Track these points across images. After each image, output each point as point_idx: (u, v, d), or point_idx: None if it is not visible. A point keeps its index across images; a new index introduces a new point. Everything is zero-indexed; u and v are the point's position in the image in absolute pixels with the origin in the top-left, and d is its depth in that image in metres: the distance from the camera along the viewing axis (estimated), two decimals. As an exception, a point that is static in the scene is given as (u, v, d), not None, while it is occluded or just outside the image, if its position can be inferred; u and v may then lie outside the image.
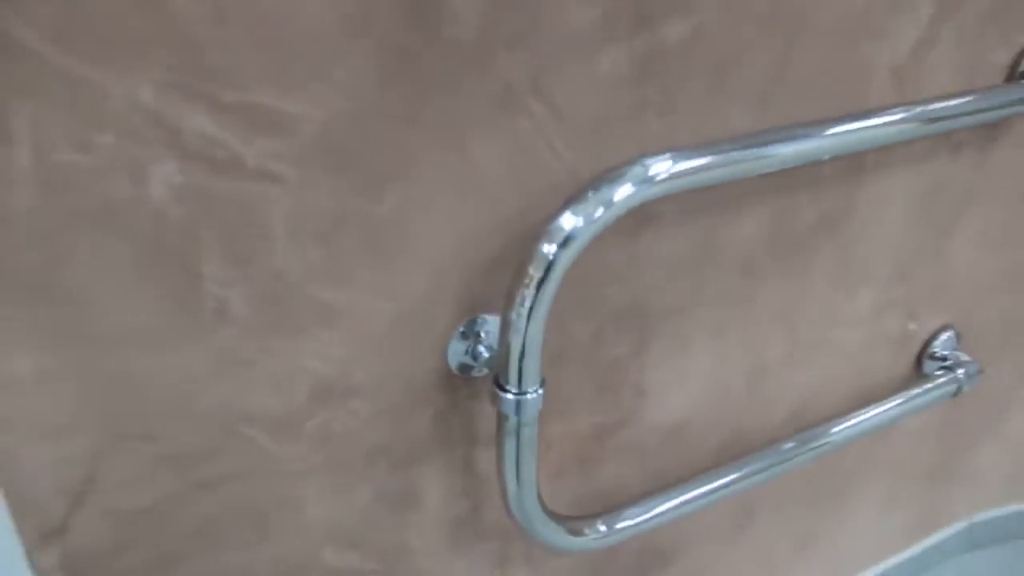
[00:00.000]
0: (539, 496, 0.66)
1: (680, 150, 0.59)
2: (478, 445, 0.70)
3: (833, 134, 0.66)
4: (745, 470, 0.82)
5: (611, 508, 0.75)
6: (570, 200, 0.57)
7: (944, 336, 0.96)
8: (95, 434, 0.54)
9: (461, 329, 0.63)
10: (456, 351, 0.64)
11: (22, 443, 0.53)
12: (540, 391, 0.60)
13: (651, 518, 0.75)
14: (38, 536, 0.56)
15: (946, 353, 0.96)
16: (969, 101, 0.74)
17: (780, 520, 0.99)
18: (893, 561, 1.18)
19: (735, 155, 0.61)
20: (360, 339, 0.60)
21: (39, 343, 0.50)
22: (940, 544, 1.23)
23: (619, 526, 0.73)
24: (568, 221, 0.56)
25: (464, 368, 0.65)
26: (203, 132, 0.49)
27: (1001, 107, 0.76)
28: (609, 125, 0.62)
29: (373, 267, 0.58)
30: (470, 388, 0.67)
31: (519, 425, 0.61)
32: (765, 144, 0.63)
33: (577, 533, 0.70)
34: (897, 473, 1.08)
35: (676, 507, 0.78)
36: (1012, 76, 0.82)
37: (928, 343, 0.96)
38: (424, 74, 0.53)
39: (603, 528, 0.72)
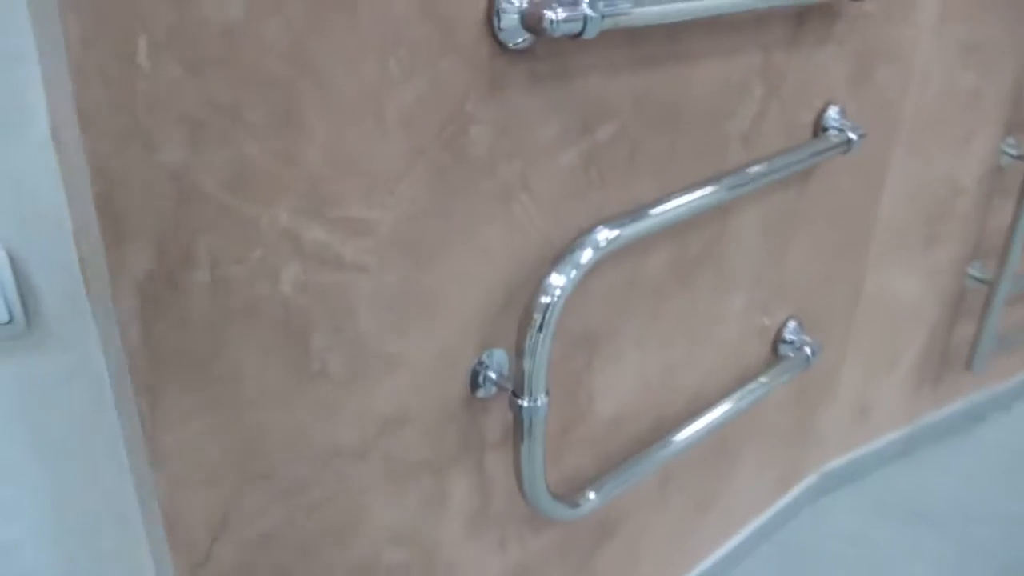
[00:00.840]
0: (546, 480, 0.90)
1: (613, 220, 0.86)
2: (487, 450, 0.92)
3: (705, 193, 0.95)
4: (664, 448, 1.09)
5: (575, 488, 1.00)
6: (554, 264, 0.82)
7: (791, 325, 1.29)
8: (232, 479, 0.73)
9: (477, 360, 0.86)
10: (482, 380, 0.86)
11: (184, 494, 0.70)
12: (547, 398, 0.84)
13: (615, 488, 1.01)
14: (188, 568, 0.73)
15: (794, 338, 1.29)
16: (790, 155, 1.06)
17: (688, 486, 1.28)
18: (768, 513, 1.50)
19: (649, 218, 0.89)
20: (412, 379, 0.81)
21: (202, 412, 0.69)
22: (799, 495, 1.56)
23: (599, 496, 0.98)
24: (556, 279, 0.81)
25: (476, 389, 0.87)
26: (317, 240, 0.69)
27: (811, 157, 1.09)
28: (567, 202, 0.87)
29: (423, 323, 0.79)
30: (482, 405, 0.89)
31: (532, 425, 0.85)
32: (664, 203, 0.91)
33: (574, 506, 0.94)
34: (766, 438, 1.40)
35: (624, 479, 1.03)
36: (816, 131, 1.15)
37: (780, 331, 1.28)
38: (454, 182, 0.76)
39: (592, 497, 0.97)
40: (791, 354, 1.27)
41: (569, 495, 0.98)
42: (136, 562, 0.78)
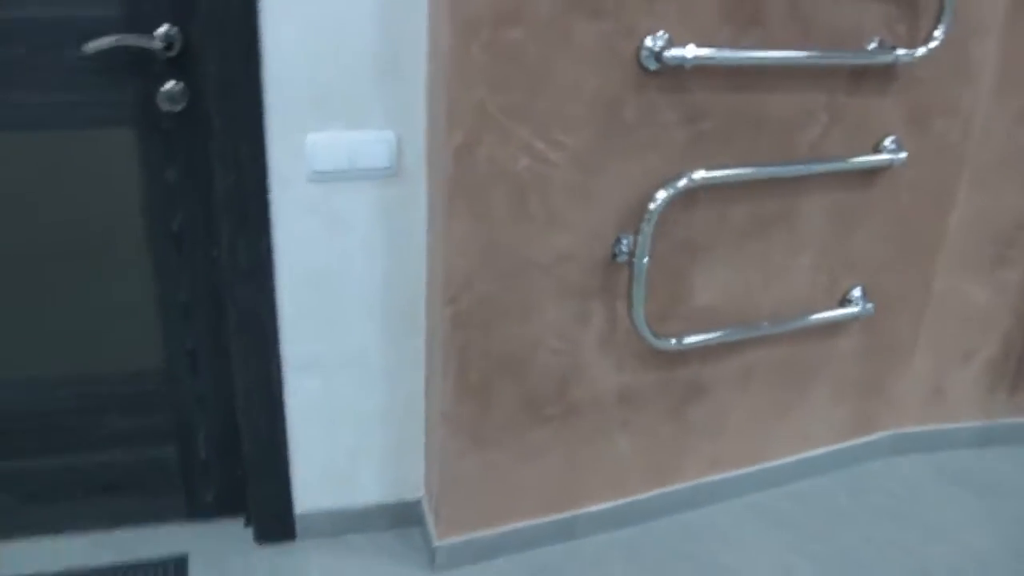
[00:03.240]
0: (645, 314, 1.66)
1: (711, 167, 1.63)
2: (618, 296, 1.70)
3: (773, 168, 1.69)
4: (743, 335, 1.81)
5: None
6: (661, 185, 1.60)
7: (856, 291, 1.95)
8: (476, 259, 1.57)
9: (616, 238, 1.65)
10: (616, 247, 1.65)
11: (453, 259, 1.56)
12: (647, 260, 1.62)
13: (696, 342, 1.75)
14: (444, 301, 1.59)
15: (858, 299, 1.94)
16: (843, 159, 1.76)
17: (768, 389, 1.97)
18: (839, 446, 2.13)
19: (730, 174, 1.65)
20: (577, 237, 1.62)
21: (469, 219, 1.54)
22: (872, 443, 2.17)
23: (683, 341, 1.73)
24: (660, 194, 1.59)
25: (614, 256, 1.66)
26: (538, 148, 1.53)
27: (858, 162, 1.79)
28: (680, 160, 1.65)
29: (587, 206, 1.61)
30: (616, 267, 1.68)
31: (638, 273, 1.62)
32: (742, 168, 1.66)
33: (664, 339, 1.70)
34: (837, 379, 2.04)
35: (707, 342, 1.77)
36: (874, 152, 1.83)
37: (846, 293, 1.95)
38: (613, 133, 1.57)
39: (673, 342, 1.72)
40: (853, 309, 1.93)
41: (663, 335, 1.73)
42: (417, 292, 1.65)
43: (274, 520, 1.84)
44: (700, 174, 1.62)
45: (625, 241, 1.65)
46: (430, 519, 1.82)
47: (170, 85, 1.53)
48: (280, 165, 1.55)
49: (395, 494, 1.87)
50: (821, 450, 2.13)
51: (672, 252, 1.72)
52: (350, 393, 1.76)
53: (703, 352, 1.85)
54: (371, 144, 1.58)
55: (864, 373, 2.08)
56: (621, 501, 1.93)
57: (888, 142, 1.83)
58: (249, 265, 1.61)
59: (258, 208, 1.58)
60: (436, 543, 1.79)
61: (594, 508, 1.90)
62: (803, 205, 1.82)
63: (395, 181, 1.61)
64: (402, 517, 1.89)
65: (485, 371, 1.66)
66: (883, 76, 1.77)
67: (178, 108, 1.55)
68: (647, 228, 1.60)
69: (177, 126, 1.56)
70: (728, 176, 1.66)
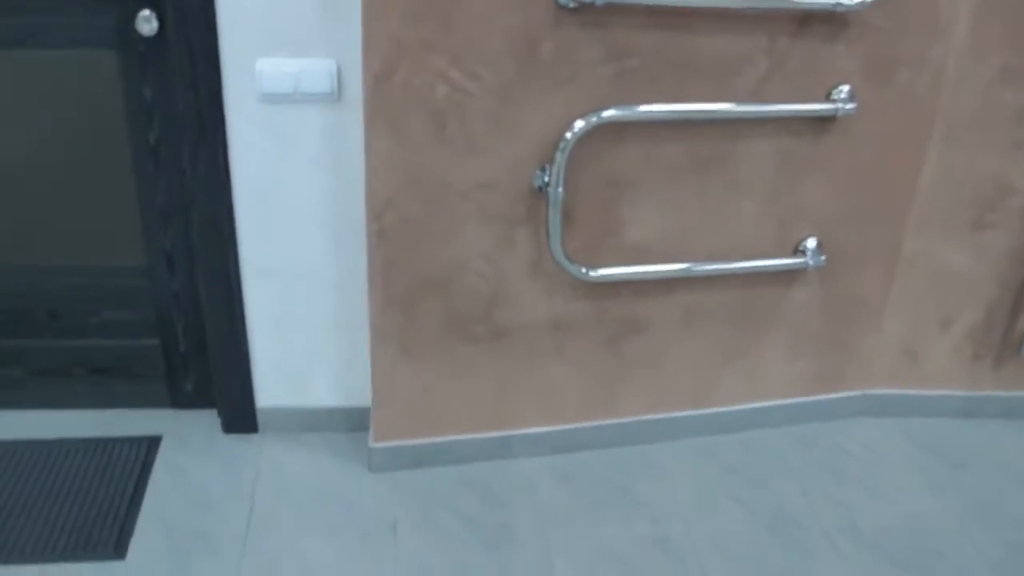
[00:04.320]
0: (562, 242, 1.78)
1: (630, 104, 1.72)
2: (542, 225, 1.82)
3: (698, 108, 1.76)
4: (680, 274, 1.90)
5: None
6: (581, 117, 1.71)
7: (811, 241, 1.98)
8: (398, 181, 1.74)
9: (540, 167, 1.77)
10: (536, 177, 1.78)
11: (378, 177, 1.73)
12: (561, 190, 1.73)
13: (619, 275, 1.85)
14: (369, 218, 1.76)
15: (811, 251, 1.97)
16: (781, 104, 1.81)
17: (712, 332, 2.03)
18: (797, 400, 2.16)
19: (648, 112, 1.73)
20: (499, 164, 1.75)
21: (390, 138, 1.71)
22: (838, 402, 2.18)
23: (603, 272, 1.84)
24: (577, 124, 1.70)
25: (539, 188, 1.78)
26: (455, 77, 1.67)
27: (798, 110, 1.82)
28: (604, 97, 1.75)
29: (508, 136, 1.74)
30: (541, 197, 1.80)
31: (555, 201, 1.74)
32: (662, 105, 1.75)
33: (579, 266, 1.82)
34: (793, 328, 2.08)
35: (635, 274, 1.87)
36: (828, 98, 1.86)
37: (800, 242, 1.98)
38: (530, 69, 1.69)
39: (591, 272, 1.83)
40: (800, 260, 1.96)
41: (593, 267, 1.84)
42: (360, 210, 1.82)
43: (238, 412, 2.09)
44: (610, 112, 1.72)
45: (545, 172, 1.77)
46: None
47: (145, 12, 1.77)
48: (234, 86, 1.77)
49: (349, 399, 2.07)
50: (778, 401, 2.17)
51: (598, 186, 1.82)
52: (304, 301, 1.97)
53: (638, 288, 1.94)
54: (314, 71, 1.76)
55: (825, 328, 2.11)
56: (558, 427, 2.06)
57: (842, 92, 1.85)
58: (208, 176, 1.84)
59: (215, 124, 1.80)
60: (371, 445, 1.98)
61: (529, 431, 2.04)
62: (744, 149, 1.87)
63: (338, 106, 1.79)
64: (357, 422, 2.09)
65: (410, 287, 1.83)
66: (831, 22, 1.79)
67: (152, 33, 1.79)
68: (560, 158, 1.72)
69: (151, 49, 1.80)
70: (643, 114, 1.75)
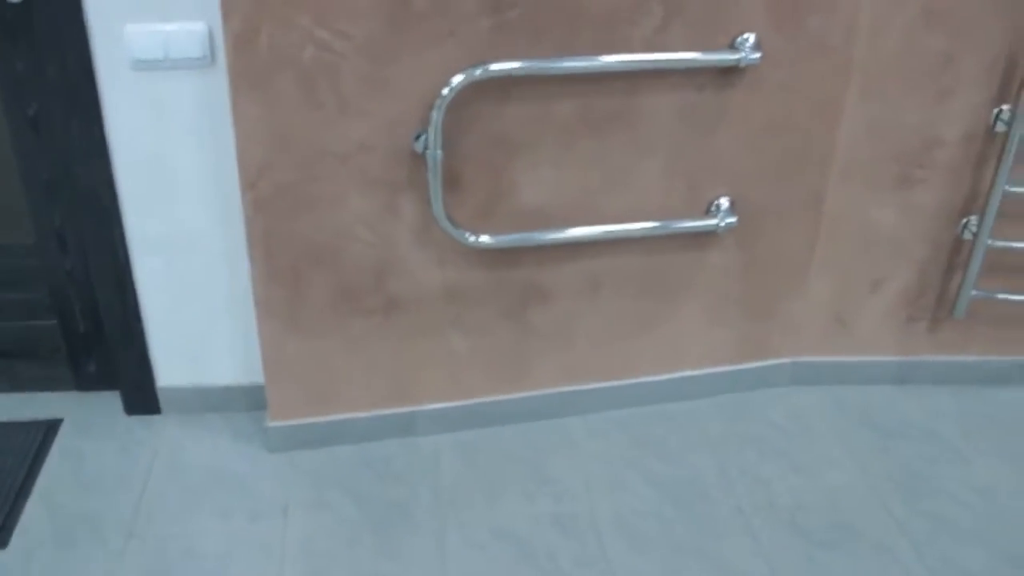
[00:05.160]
0: (445, 207, 1.71)
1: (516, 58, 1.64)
2: (428, 191, 1.76)
3: (590, 62, 1.68)
4: (581, 238, 1.82)
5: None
6: (461, 72, 1.64)
7: (723, 201, 1.89)
8: (270, 145, 1.67)
9: (422, 128, 1.70)
10: (415, 139, 1.71)
11: (247, 143, 1.66)
12: (440, 152, 1.66)
13: (511, 241, 1.78)
14: (243, 186, 1.70)
15: (725, 210, 1.89)
16: (680, 55, 1.72)
17: (623, 299, 1.96)
18: (721, 369, 2.08)
19: (533, 68, 1.65)
20: (377, 126, 1.69)
21: (258, 105, 1.64)
22: (765, 370, 2.10)
23: (490, 238, 1.77)
24: (456, 79, 1.63)
25: (420, 151, 1.71)
26: (322, 37, 1.61)
27: (700, 61, 1.73)
28: (487, 51, 1.67)
29: (384, 97, 1.67)
30: (422, 160, 1.73)
31: (433, 165, 1.67)
32: (550, 62, 1.67)
33: (465, 232, 1.74)
34: (712, 293, 2.00)
35: (530, 240, 1.79)
36: (731, 47, 1.76)
37: (712, 202, 1.90)
38: (403, 23, 1.62)
39: (477, 239, 1.76)
40: (711, 221, 1.88)
41: (485, 232, 1.77)
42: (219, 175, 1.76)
43: (139, 393, 2.04)
44: (489, 67, 1.64)
45: (425, 133, 1.70)
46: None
47: (10, -22, 1.72)
48: (104, 54, 1.71)
49: (249, 377, 2.02)
50: (699, 371, 2.09)
51: (486, 147, 1.75)
52: (195, 275, 1.91)
53: (539, 254, 1.87)
54: (184, 35, 1.70)
55: (745, 292, 2.02)
56: (464, 402, 2.00)
57: (747, 40, 1.76)
58: (85, 148, 1.79)
59: (87, 94, 1.74)
60: (268, 424, 1.93)
61: (433, 406, 1.98)
62: (643, 105, 1.78)
63: (211, 71, 1.73)
64: (258, 400, 2.03)
65: (293, 258, 1.77)
66: (729, -34, 1.71)
67: (17, 0, 1.73)
68: (437, 117, 1.65)
69: (18, 18, 1.75)
70: (527, 69, 1.67)
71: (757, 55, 1.75)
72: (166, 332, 1.98)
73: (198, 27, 1.69)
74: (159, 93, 1.74)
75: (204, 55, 1.71)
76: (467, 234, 1.77)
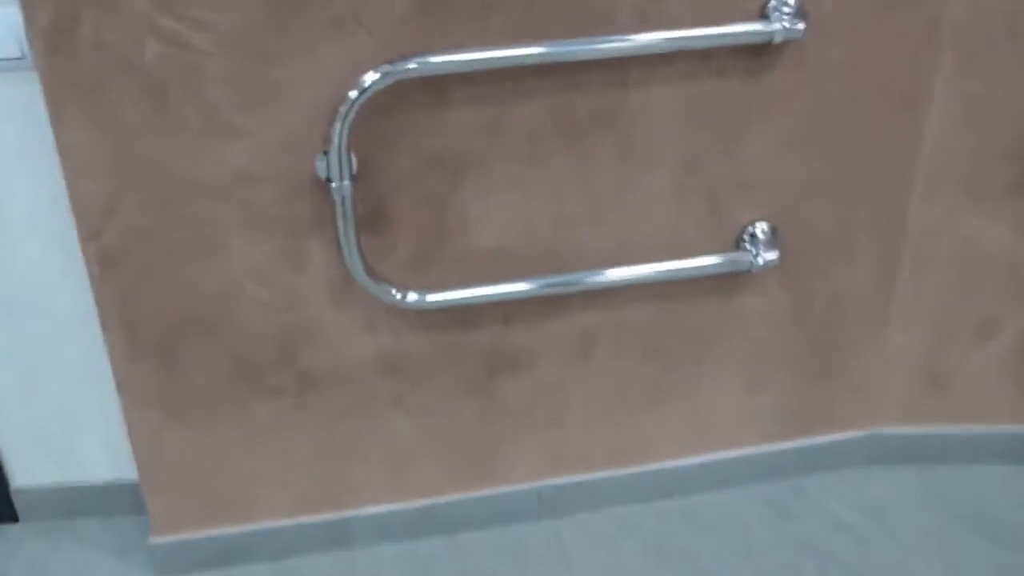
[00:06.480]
0: (361, 254, 1.42)
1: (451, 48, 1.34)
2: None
3: (558, 49, 1.37)
4: (557, 286, 1.53)
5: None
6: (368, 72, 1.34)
7: (760, 227, 1.58)
8: (116, 180, 1.40)
9: (324, 151, 1.41)
10: (319, 163, 1.42)
11: (83, 181, 1.39)
12: (351, 183, 1.37)
13: (460, 296, 1.49)
14: (87, 234, 1.43)
15: (762, 239, 1.58)
16: (688, 31, 1.40)
17: (624, 360, 1.67)
18: (765, 450, 1.78)
19: (484, 59, 1.35)
20: (262, 149, 1.40)
21: (91, 125, 1.36)
22: (825, 448, 1.80)
23: (431, 297, 1.48)
24: (370, 76, 1.33)
25: (326, 178, 1.43)
26: (169, 27, 1.32)
27: (716, 39, 1.41)
28: (409, 41, 1.37)
29: (269, 109, 1.38)
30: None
31: (340, 198, 1.38)
32: (503, 49, 1.36)
33: (397, 288, 1.46)
34: (748, 350, 1.69)
35: (489, 296, 1.50)
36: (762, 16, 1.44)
37: (744, 230, 1.59)
38: (288, 8, 1.33)
39: (413, 298, 1.47)
40: (752, 256, 1.57)
41: (430, 286, 1.48)
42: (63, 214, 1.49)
43: (-12, 495, 1.81)
44: (415, 62, 1.34)
45: (328, 156, 1.41)
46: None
47: None
48: None
49: (132, 471, 1.77)
50: (735, 452, 1.80)
51: (420, 170, 1.46)
52: (46, 344, 1.66)
53: (504, 309, 1.59)
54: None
55: (797, 347, 1.72)
56: (411, 504, 1.74)
57: (783, 4, 1.43)
58: None
59: None
60: (153, 540, 1.68)
61: (371, 510, 1.72)
62: (640, 99, 1.48)
63: (34, 75, 1.45)
64: (141, 500, 1.79)
65: (162, 328, 1.51)
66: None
67: None
68: (341, 131, 1.35)
69: None
70: (469, 63, 1.37)
71: (801, 25, 1.42)
72: (16, 418, 1.73)
73: (8, 15, 1.41)
74: (-34, 106, 1.48)
75: (22, 54, 1.44)
76: (392, 290, 1.48)
